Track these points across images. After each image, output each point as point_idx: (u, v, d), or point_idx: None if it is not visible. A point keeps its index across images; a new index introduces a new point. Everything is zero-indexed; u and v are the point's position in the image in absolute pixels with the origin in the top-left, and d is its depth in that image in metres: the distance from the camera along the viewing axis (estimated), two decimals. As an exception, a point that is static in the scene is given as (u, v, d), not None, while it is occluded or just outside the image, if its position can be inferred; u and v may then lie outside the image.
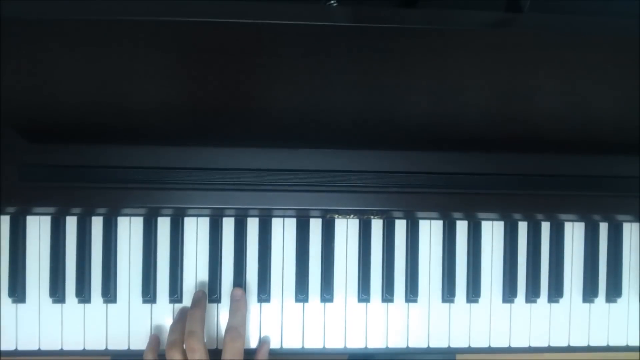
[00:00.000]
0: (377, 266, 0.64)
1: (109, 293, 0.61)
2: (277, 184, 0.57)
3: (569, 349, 0.66)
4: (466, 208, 0.60)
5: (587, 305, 0.66)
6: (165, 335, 0.59)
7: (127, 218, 0.62)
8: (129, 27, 0.38)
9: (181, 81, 0.45)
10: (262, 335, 0.63)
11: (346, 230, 0.64)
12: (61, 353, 0.61)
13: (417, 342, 0.64)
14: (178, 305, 0.62)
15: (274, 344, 0.63)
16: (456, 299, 0.65)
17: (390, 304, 0.64)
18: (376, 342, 0.64)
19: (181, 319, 0.58)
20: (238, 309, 0.60)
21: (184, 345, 0.54)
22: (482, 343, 0.65)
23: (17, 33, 0.38)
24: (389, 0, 0.48)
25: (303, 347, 0.63)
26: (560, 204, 0.61)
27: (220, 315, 0.63)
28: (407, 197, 0.58)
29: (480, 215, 0.64)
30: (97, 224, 0.62)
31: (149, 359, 0.58)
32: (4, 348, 0.60)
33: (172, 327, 0.58)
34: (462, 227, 0.65)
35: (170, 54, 0.41)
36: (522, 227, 0.66)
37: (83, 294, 0.61)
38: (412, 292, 0.64)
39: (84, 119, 0.51)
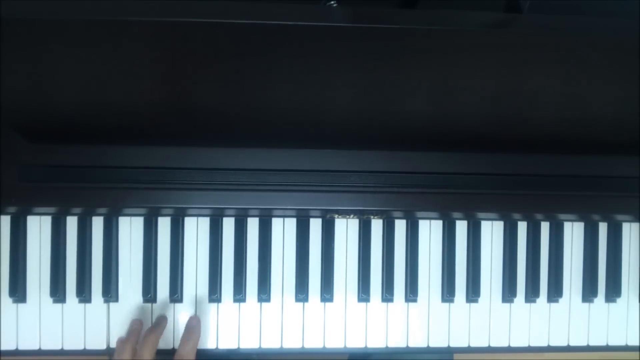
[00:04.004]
0: (377, 266, 0.64)
1: (110, 293, 0.61)
2: (277, 184, 0.57)
3: (569, 349, 0.66)
4: (466, 208, 0.60)
5: (586, 305, 0.66)
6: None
7: (128, 218, 0.62)
8: (129, 27, 0.38)
9: (181, 81, 0.45)
10: (262, 335, 0.63)
11: (346, 230, 0.64)
12: (62, 353, 0.61)
13: (417, 341, 0.64)
14: (179, 305, 0.62)
15: (274, 344, 0.63)
16: (456, 298, 0.65)
17: (390, 304, 0.64)
18: (376, 342, 0.64)
19: (131, 338, 0.57)
20: (190, 338, 0.59)
21: None
22: (482, 342, 0.65)
23: (17, 33, 0.38)
24: (389, 0, 0.48)
25: (303, 346, 0.63)
26: (559, 204, 0.61)
27: (220, 315, 0.63)
28: (407, 197, 0.59)
29: (480, 215, 0.64)
30: (97, 224, 0.62)
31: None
32: (4, 348, 0.60)
33: (122, 344, 0.56)
34: (461, 227, 0.65)
35: (170, 54, 0.41)
36: (522, 227, 0.66)
37: (83, 294, 0.61)
38: (411, 292, 0.64)
39: (84, 118, 0.51)
